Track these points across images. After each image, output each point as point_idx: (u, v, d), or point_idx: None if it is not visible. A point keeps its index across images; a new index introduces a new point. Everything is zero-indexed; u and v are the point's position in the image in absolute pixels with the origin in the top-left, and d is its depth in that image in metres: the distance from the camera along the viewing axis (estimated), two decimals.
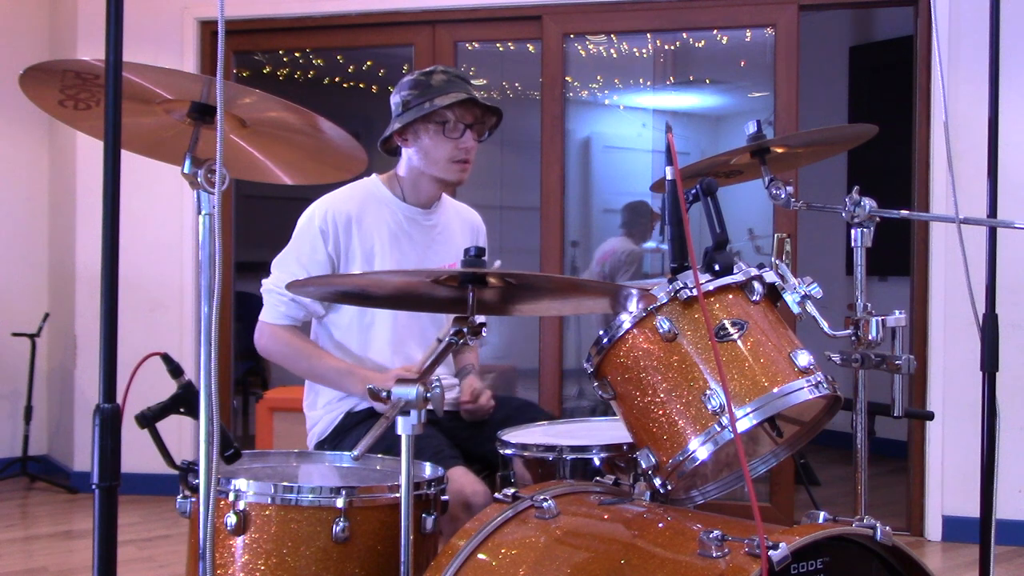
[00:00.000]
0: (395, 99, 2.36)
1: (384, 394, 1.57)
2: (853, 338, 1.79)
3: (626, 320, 1.66)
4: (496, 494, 1.67)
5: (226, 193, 1.88)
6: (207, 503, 1.37)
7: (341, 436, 2.30)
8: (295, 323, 2.34)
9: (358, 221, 2.32)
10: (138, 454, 1.89)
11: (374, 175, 2.43)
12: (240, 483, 1.68)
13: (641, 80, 6.48)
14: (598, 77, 6.37)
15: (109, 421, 1.22)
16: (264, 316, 2.34)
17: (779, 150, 2.02)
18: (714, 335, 1.60)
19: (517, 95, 6.19)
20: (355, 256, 2.31)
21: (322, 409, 2.37)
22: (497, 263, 1.69)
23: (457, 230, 2.50)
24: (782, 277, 1.71)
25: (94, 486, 1.22)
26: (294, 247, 2.32)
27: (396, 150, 2.41)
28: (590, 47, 5.46)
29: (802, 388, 1.60)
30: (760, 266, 1.71)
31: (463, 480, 2.03)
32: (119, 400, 1.24)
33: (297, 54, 5.93)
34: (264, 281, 2.35)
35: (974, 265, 1.98)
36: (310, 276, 2.21)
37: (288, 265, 2.30)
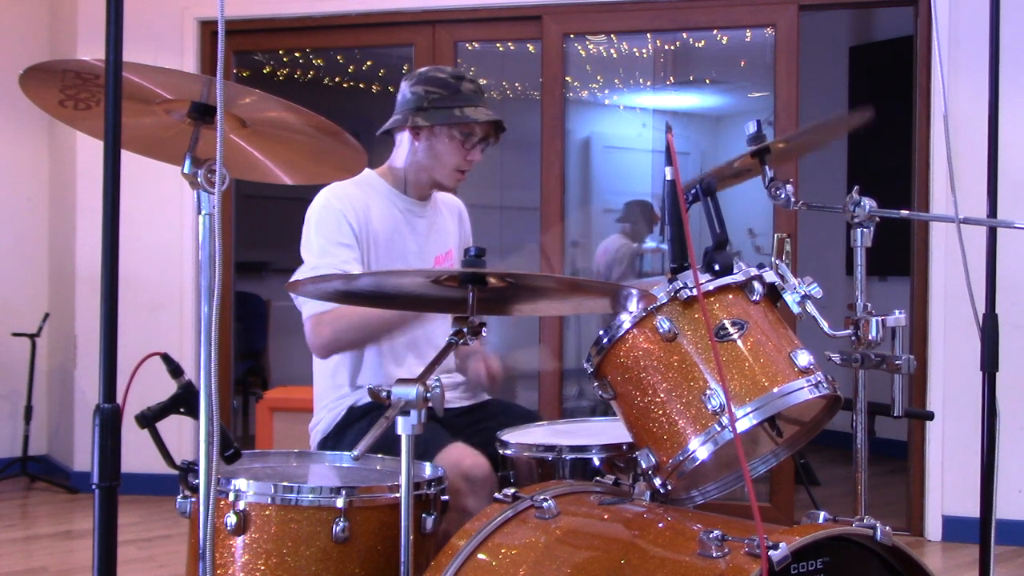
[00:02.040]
0: (415, 89, 2.32)
1: (384, 394, 1.57)
2: (853, 338, 1.79)
3: (626, 320, 1.66)
4: (496, 494, 1.67)
5: (226, 193, 1.88)
6: (207, 503, 1.37)
7: (343, 432, 2.29)
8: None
9: (367, 210, 2.31)
10: (138, 454, 1.89)
11: (367, 169, 2.41)
12: (240, 483, 1.68)
13: (641, 80, 6.48)
14: (598, 77, 6.38)
15: (109, 421, 1.22)
16: (309, 310, 2.20)
17: (780, 145, 2.01)
18: (714, 335, 1.60)
19: (517, 95, 6.19)
20: (365, 243, 2.28)
21: (323, 409, 2.37)
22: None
23: (447, 218, 2.53)
24: (782, 277, 1.71)
25: (94, 486, 1.22)
26: (317, 232, 2.23)
27: (393, 137, 2.41)
28: (590, 47, 5.46)
29: (802, 388, 1.60)
30: (760, 266, 1.71)
31: (461, 452, 2.03)
32: (119, 400, 1.24)
33: (297, 54, 5.94)
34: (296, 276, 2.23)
35: (974, 265, 1.98)
36: (352, 249, 2.19)
37: (321, 250, 2.20)
